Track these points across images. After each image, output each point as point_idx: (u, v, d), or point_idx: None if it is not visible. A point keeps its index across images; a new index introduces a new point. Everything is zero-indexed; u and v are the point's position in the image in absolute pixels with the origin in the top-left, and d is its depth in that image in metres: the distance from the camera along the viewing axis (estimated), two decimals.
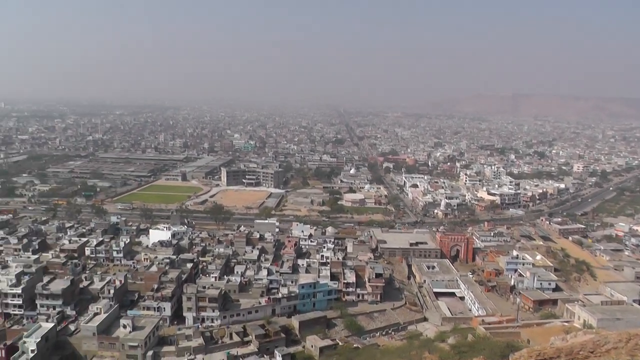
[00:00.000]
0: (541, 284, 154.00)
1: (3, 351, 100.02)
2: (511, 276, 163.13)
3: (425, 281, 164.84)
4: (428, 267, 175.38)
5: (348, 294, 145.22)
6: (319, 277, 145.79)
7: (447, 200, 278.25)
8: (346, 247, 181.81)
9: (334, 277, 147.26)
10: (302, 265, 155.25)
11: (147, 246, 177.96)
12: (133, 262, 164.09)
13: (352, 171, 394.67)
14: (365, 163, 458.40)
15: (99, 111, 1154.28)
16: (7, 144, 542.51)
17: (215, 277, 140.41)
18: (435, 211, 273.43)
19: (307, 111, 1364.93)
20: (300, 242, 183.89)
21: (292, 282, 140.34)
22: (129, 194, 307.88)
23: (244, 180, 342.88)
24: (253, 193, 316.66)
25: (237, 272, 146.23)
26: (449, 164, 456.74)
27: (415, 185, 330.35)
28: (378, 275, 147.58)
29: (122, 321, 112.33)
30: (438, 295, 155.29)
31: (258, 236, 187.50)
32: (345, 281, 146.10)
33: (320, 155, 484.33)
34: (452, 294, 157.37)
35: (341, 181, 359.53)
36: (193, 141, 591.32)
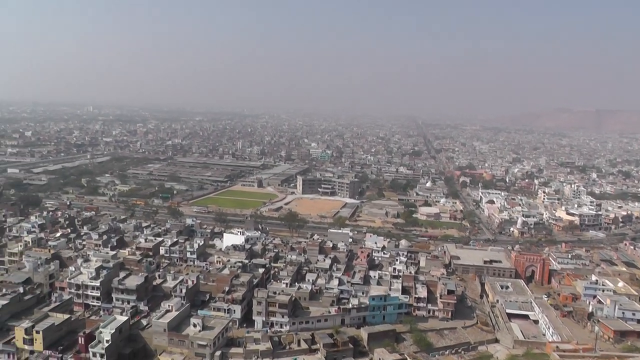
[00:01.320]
0: (623, 313, 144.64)
1: (82, 338, 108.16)
2: (589, 302, 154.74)
3: (498, 301, 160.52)
4: (502, 287, 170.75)
5: (419, 309, 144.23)
6: (390, 290, 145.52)
7: (524, 219, 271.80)
8: (419, 261, 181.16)
9: (405, 291, 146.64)
10: (374, 277, 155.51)
11: (220, 249, 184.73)
12: (206, 264, 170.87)
13: (428, 184, 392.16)
14: (441, 176, 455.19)
15: (179, 117, 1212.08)
16: (93, 145, 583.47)
17: (287, 284, 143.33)
18: (511, 229, 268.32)
19: (385, 122, 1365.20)
20: (373, 254, 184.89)
21: (362, 293, 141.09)
22: (205, 197, 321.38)
23: (319, 189, 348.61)
24: (328, 202, 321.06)
25: (309, 280, 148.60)
26: (527, 180, 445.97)
27: (491, 202, 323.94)
28: (450, 292, 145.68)
29: (193, 320, 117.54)
30: (511, 316, 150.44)
31: (331, 245, 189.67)
32: (417, 296, 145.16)
33: (396, 166, 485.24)
34: (526, 317, 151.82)
35: (417, 194, 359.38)
36: (270, 149, 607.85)
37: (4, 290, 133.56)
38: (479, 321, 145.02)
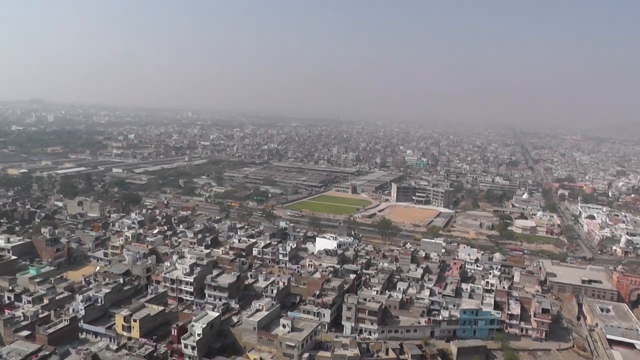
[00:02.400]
0: None
1: (175, 330, 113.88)
2: None
3: (597, 325, 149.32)
4: (602, 310, 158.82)
5: (511, 326, 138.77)
6: (482, 304, 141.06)
7: (628, 237, 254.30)
8: (513, 276, 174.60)
9: (497, 306, 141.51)
10: (466, 289, 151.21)
11: (312, 253, 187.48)
12: (297, 267, 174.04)
13: (525, 196, 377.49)
14: (539, 188, 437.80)
15: (275, 123, 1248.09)
16: (192, 148, 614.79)
17: (377, 291, 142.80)
18: (614, 247, 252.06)
19: (481, 130, 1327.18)
20: (466, 266, 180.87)
21: (454, 305, 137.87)
22: (299, 202, 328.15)
23: (413, 197, 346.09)
24: (422, 211, 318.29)
25: (399, 289, 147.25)
26: (632, 195, 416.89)
27: (592, 217, 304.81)
28: (545, 311, 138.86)
29: (283, 321, 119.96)
30: (612, 343, 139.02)
31: (423, 255, 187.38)
32: (510, 312, 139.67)
33: (492, 176, 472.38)
34: (631, 345, 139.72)
35: (513, 206, 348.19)
36: (365, 155, 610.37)
37: (106, 280, 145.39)
38: (575, 345, 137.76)
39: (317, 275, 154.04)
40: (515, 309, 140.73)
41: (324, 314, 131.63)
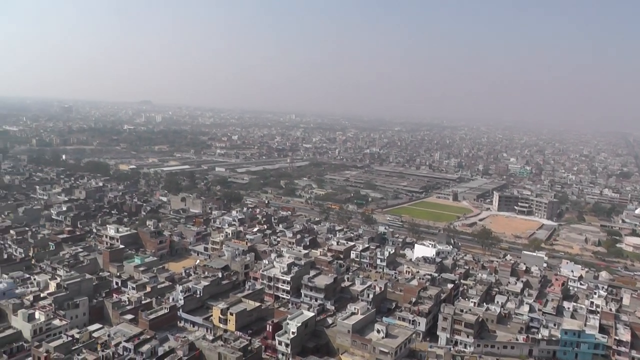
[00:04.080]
0: None
1: (270, 326, 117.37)
2: None
3: None
4: None
5: (619, 354, 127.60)
6: (585, 325, 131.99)
7: None
8: (621, 299, 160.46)
9: (603, 329, 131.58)
10: (568, 308, 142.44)
11: (410, 260, 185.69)
12: (395, 273, 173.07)
13: (638, 211, 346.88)
14: None
15: (378, 127, 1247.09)
16: (293, 150, 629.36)
17: (475, 303, 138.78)
18: None
19: (589, 138, 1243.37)
20: (569, 283, 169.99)
21: (554, 324, 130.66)
22: (399, 207, 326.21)
23: (515, 207, 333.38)
24: (524, 222, 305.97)
25: (498, 302, 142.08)
26: None
27: None
28: None
29: (377, 326, 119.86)
30: None
31: (524, 268, 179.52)
32: (617, 338, 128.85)
33: (600, 188, 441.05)
34: None
35: (623, 221, 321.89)
36: (468, 162, 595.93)
37: (206, 273, 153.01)
38: None
39: (414, 282, 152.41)
40: (625, 335, 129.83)
41: (419, 322, 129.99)
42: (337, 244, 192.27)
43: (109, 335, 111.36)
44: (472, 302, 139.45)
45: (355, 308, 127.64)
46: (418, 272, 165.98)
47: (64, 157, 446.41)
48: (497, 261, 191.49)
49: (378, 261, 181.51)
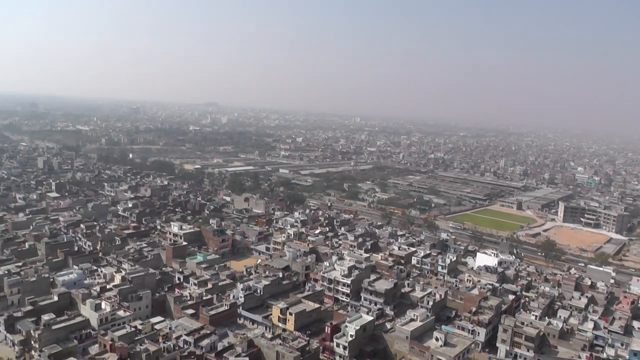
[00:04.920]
0: None
1: (329, 328, 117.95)
2: None
3: None
4: None
5: None
6: None
7: None
8: None
9: None
10: (637, 328, 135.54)
11: (472, 268, 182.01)
12: (455, 281, 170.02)
13: None
14: None
15: (443, 131, 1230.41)
16: (358, 153, 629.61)
17: (536, 316, 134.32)
18: None
19: None
20: (639, 302, 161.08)
21: (621, 344, 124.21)
22: (462, 214, 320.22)
23: (582, 219, 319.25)
24: (590, 235, 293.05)
25: (560, 317, 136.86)
26: None
27: None
28: None
29: (436, 334, 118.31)
30: None
31: (589, 283, 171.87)
32: None
33: None
34: None
35: None
36: (533, 170, 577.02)
37: (267, 272, 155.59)
38: None
39: (475, 291, 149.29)
40: None
41: (478, 333, 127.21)
42: (399, 249, 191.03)
43: (170, 328, 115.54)
44: (533, 315, 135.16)
45: (414, 314, 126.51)
46: (479, 281, 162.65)
47: (131, 155, 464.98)
48: (560, 274, 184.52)
49: (439, 268, 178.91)
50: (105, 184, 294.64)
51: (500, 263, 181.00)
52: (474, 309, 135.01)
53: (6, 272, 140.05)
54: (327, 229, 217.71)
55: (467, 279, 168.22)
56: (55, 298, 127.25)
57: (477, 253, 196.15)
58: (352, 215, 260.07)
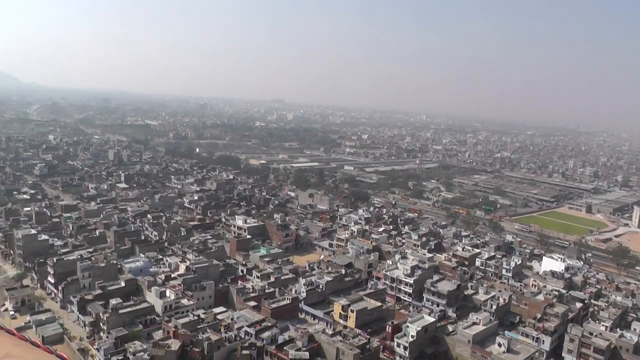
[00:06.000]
0: None
1: (390, 327, 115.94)
2: None
3: None
4: None
5: None
6: None
7: None
8: None
9: None
10: None
11: (537, 272, 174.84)
12: (520, 285, 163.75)
13: None
14: None
15: (510, 130, 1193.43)
16: (423, 152, 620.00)
17: (607, 327, 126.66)
18: None
19: None
20: None
21: None
22: (528, 216, 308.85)
23: None
24: None
25: (634, 330, 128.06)
26: None
27: None
28: None
29: (499, 339, 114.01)
30: None
31: None
32: None
33: None
34: None
35: None
36: (605, 171, 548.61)
37: (329, 268, 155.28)
38: None
39: (540, 297, 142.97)
40: None
41: (543, 341, 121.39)
42: (463, 250, 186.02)
43: (232, 319, 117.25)
44: (603, 325, 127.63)
45: (477, 318, 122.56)
46: (545, 286, 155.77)
47: (197, 150, 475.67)
48: (635, 284, 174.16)
49: (503, 271, 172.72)
50: (172, 176, 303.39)
51: (567, 268, 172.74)
52: (538, 316, 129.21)
53: (79, 256, 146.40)
54: (391, 227, 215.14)
55: (532, 284, 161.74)
56: (123, 284, 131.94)
57: (543, 257, 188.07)
58: (416, 214, 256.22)
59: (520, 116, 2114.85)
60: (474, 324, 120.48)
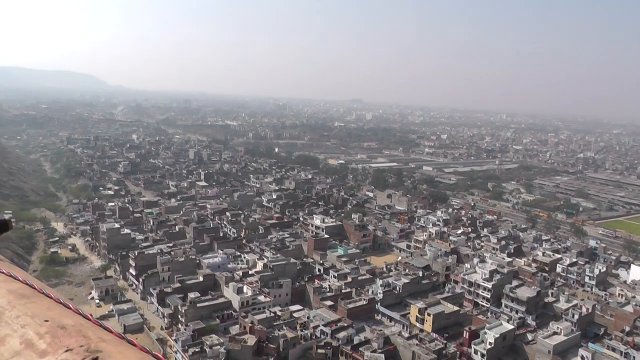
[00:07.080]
0: None
1: (467, 333, 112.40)
2: None
3: None
4: None
5: None
6: None
7: None
8: None
9: None
10: None
11: (624, 281, 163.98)
12: (605, 294, 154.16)
13: None
14: None
15: (594, 129, 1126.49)
16: (503, 152, 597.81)
17: None
18: None
19: None
20: None
21: None
22: (614, 220, 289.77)
23: None
24: None
25: None
26: None
27: None
28: None
29: (582, 352, 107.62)
30: None
31: None
32: None
33: None
34: None
35: None
36: None
37: (406, 270, 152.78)
38: None
39: (629, 308, 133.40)
40: None
41: (634, 357, 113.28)
42: (543, 255, 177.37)
43: (308, 317, 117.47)
44: None
45: (558, 327, 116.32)
46: (634, 297, 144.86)
47: (276, 150, 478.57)
48: None
49: (586, 279, 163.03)
50: (251, 175, 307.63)
51: None
52: (627, 329, 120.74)
53: (159, 250, 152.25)
54: (470, 230, 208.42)
55: (619, 294, 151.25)
56: (201, 278, 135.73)
57: (632, 265, 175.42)
58: (495, 217, 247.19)
59: (605, 114, 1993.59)
60: (555, 333, 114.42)
